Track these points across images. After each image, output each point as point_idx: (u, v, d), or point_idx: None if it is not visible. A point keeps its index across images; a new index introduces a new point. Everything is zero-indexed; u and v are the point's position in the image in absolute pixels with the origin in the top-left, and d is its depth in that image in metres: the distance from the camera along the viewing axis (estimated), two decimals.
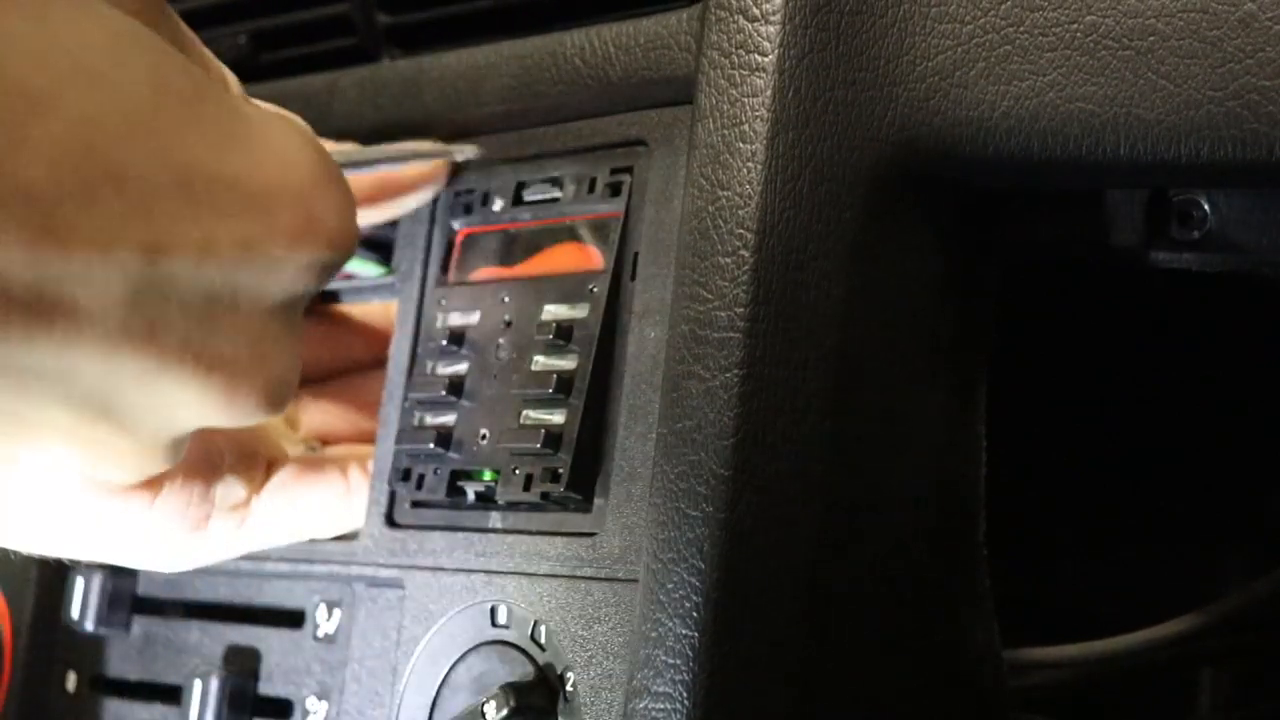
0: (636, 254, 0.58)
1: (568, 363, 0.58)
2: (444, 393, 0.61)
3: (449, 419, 0.61)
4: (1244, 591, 0.73)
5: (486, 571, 0.60)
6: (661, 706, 0.53)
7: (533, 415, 0.58)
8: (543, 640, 0.58)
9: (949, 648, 0.62)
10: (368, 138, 0.67)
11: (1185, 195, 0.58)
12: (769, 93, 0.55)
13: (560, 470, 0.57)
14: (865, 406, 0.57)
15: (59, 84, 0.38)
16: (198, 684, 0.67)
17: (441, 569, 0.61)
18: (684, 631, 0.53)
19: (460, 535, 0.61)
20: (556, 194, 0.61)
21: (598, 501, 0.57)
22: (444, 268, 0.64)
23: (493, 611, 0.59)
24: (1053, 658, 0.73)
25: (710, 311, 0.55)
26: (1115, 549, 0.89)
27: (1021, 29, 0.53)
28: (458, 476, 0.61)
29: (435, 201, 0.65)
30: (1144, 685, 0.83)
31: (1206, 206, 0.58)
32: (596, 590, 0.56)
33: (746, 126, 0.55)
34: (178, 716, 0.68)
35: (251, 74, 0.73)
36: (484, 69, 0.64)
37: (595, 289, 0.58)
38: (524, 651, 0.58)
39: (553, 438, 0.57)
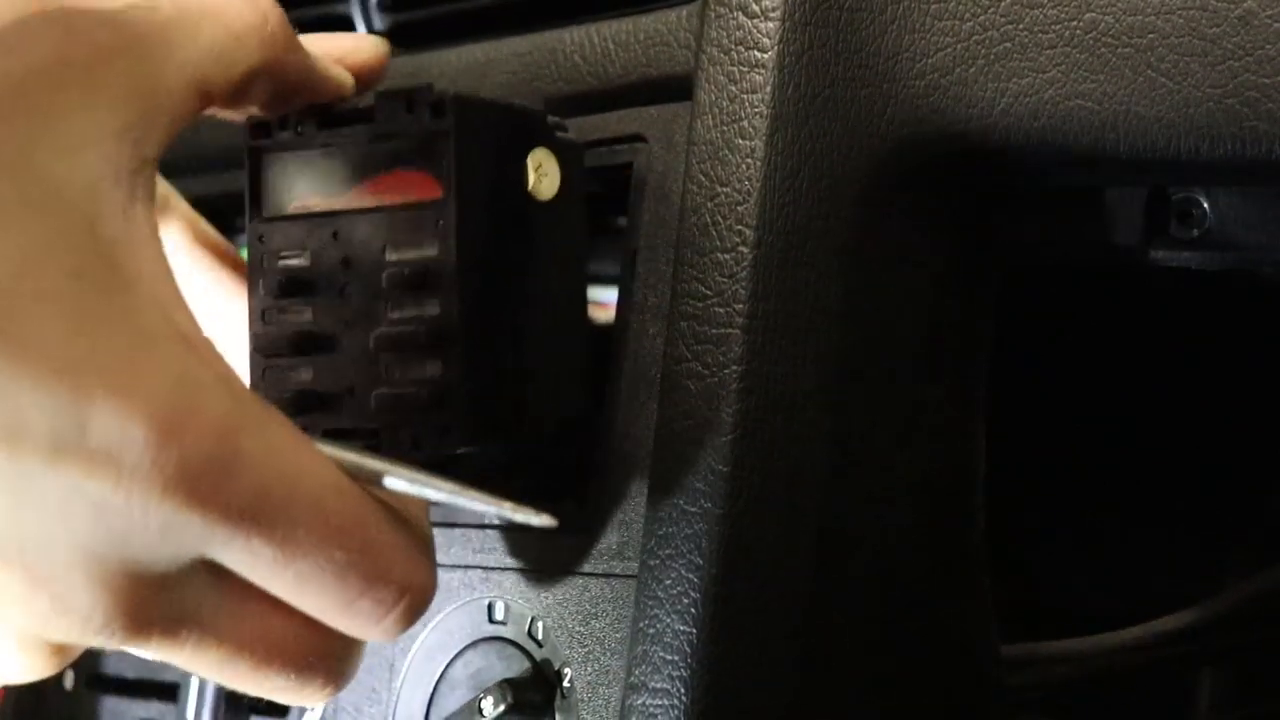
0: (636, 251, 0.58)
1: (430, 309, 0.50)
2: (292, 350, 0.53)
3: (306, 376, 0.53)
4: (1243, 587, 0.73)
5: (483, 568, 0.60)
6: (659, 703, 0.53)
7: (404, 370, 0.51)
8: (540, 636, 0.58)
9: (948, 645, 0.62)
10: None
11: (1185, 193, 0.58)
12: (768, 89, 0.55)
13: (451, 425, 0.50)
14: (864, 404, 0.57)
15: None
16: (195, 681, 0.67)
17: (438, 565, 0.61)
18: (681, 628, 0.53)
19: (457, 531, 0.61)
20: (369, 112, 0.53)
21: (596, 497, 0.57)
22: (255, 200, 0.54)
23: (490, 607, 0.59)
24: (1051, 652, 0.73)
25: (709, 308, 0.55)
26: (1115, 548, 0.89)
27: (1021, 26, 0.53)
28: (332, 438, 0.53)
29: None
30: (1143, 682, 0.83)
31: (1206, 205, 0.58)
32: (594, 586, 0.56)
33: (746, 123, 0.55)
34: (175, 714, 0.68)
35: None
36: (484, 66, 0.64)
37: (442, 222, 0.50)
38: (521, 647, 0.58)
39: (437, 392, 0.50)
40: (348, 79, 0.52)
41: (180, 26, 0.44)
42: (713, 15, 0.57)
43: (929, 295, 0.59)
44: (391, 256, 0.51)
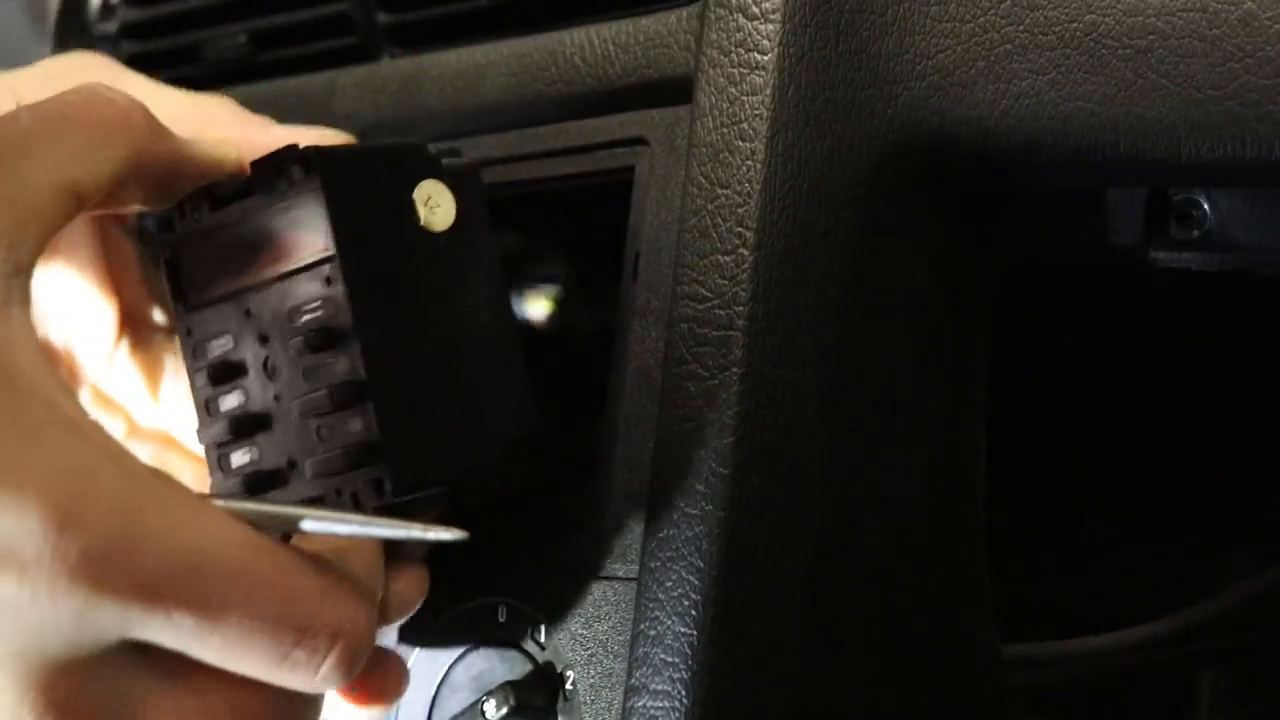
0: (638, 253, 0.58)
1: (340, 366, 0.50)
2: (235, 434, 0.53)
3: (252, 457, 0.54)
4: (1243, 587, 0.74)
5: (485, 569, 0.60)
6: (660, 705, 0.53)
7: (332, 432, 0.51)
8: (542, 639, 0.58)
9: (948, 646, 0.62)
10: (367, 136, 0.67)
11: (1185, 194, 0.58)
12: (768, 91, 0.55)
13: (383, 478, 0.50)
14: (864, 405, 0.57)
15: None
16: None
17: (441, 567, 0.61)
18: (682, 630, 0.53)
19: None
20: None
21: (597, 499, 0.57)
22: (177, 294, 0.55)
23: (492, 609, 0.59)
24: (1051, 652, 0.73)
25: (710, 310, 0.55)
26: (1115, 548, 0.89)
27: (1021, 28, 0.53)
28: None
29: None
30: (1143, 682, 0.83)
31: (1206, 206, 0.58)
32: (596, 589, 0.56)
33: (746, 125, 0.55)
34: None
35: (251, 74, 0.73)
36: (484, 68, 0.64)
37: (330, 274, 0.50)
38: (523, 650, 0.58)
39: (363, 448, 0.50)
40: (226, 152, 0.52)
41: (41, 134, 0.44)
42: (713, 17, 0.57)
43: (929, 296, 0.59)
44: (298, 322, 0.51)
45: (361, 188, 0.51)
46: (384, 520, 0.46)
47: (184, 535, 0.41)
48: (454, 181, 0.54)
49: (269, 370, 0.52)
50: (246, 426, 0.53)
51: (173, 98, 0.55)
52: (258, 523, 0.44)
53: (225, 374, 0.53)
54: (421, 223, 0.53)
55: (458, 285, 0.54)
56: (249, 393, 0.53)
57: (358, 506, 0.50)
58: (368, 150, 0.55)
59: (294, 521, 0.45)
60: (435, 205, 0.53)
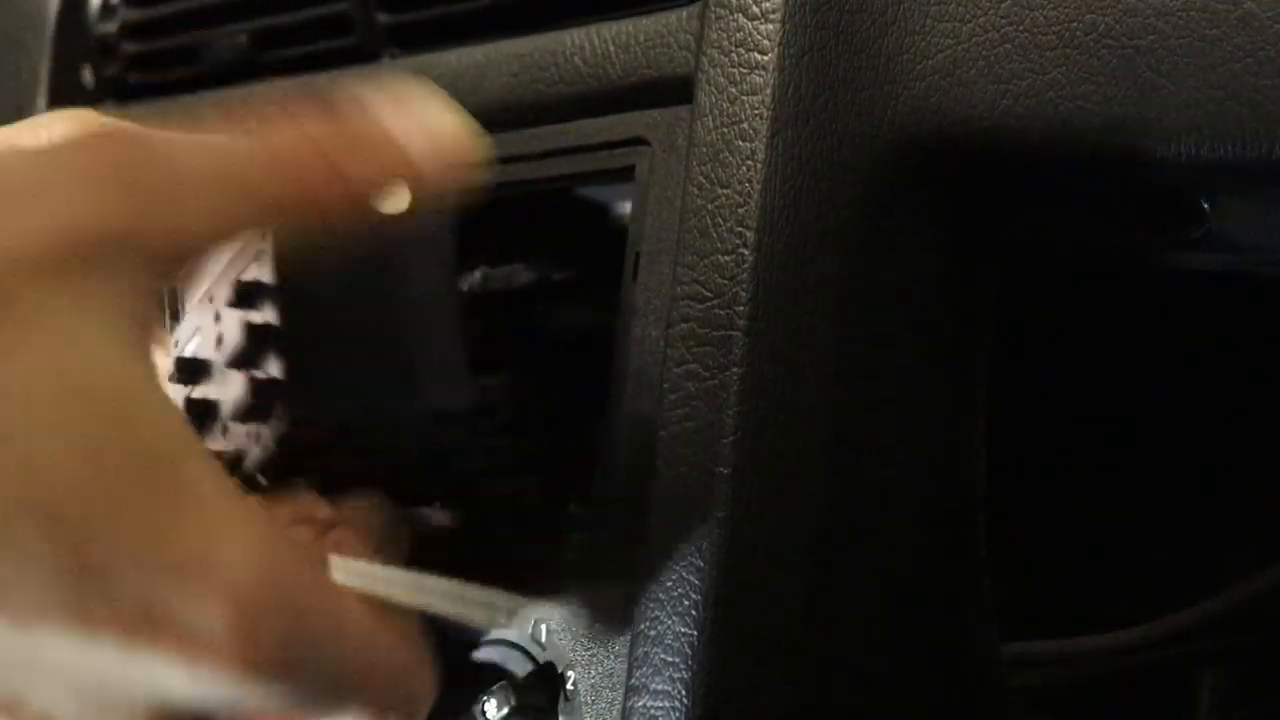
0: (639, 254, 0.58)
1: (265, 313, 0.51)
2: (199, 424, 0.54)
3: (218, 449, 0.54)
4: (1243, 587, 0.74)
5: (486, 570, 0.60)
6: (660, 705, 0.53)
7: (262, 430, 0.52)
8: (543, 638, 0.58)
9: (949, 646, 0.62)
10: None
11: (1185, 193, 0.58)
12: (769, 91, 0.55)
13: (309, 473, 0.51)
14: (864, 404, 0.57)
15: None
16: None
17: (441, 567, 0.61)
18: (683, 630, 0.53)
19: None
20: None
21: (597, 499, 0.57)
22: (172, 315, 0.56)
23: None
24: (1051, 652, 0.73)
25: (710, 310, 0.55)
26: (1115, 548, 0.89)
27: (1021, 28, 0.53)
28: None
29: None
30: (1143, 682, 0.83)
31: (1206, 206, 0.58)
32: (596, 589, 0.56)
33: (746, 125, 0.55)
34: None
35: (251, 74, 0.73)
36: (484, 68, 0.64)
37: (262, 245, 0.50)
38: (524, 650, 0.58)
39: (267, 387, 0.50)
40: None
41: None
42: (713, 17, 0.57)
43: (929, 296, 0.59)
44: (237, 287, 0.51)
45: None
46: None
47: (341, 636, 0.42)
48: None
49: (219, 344, 0.52)
50: (208, 415, 0.53)
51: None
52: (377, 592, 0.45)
53: (192, 370, 0.53)
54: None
55: (396, 256, 0.53)
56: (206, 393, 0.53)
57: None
58: None
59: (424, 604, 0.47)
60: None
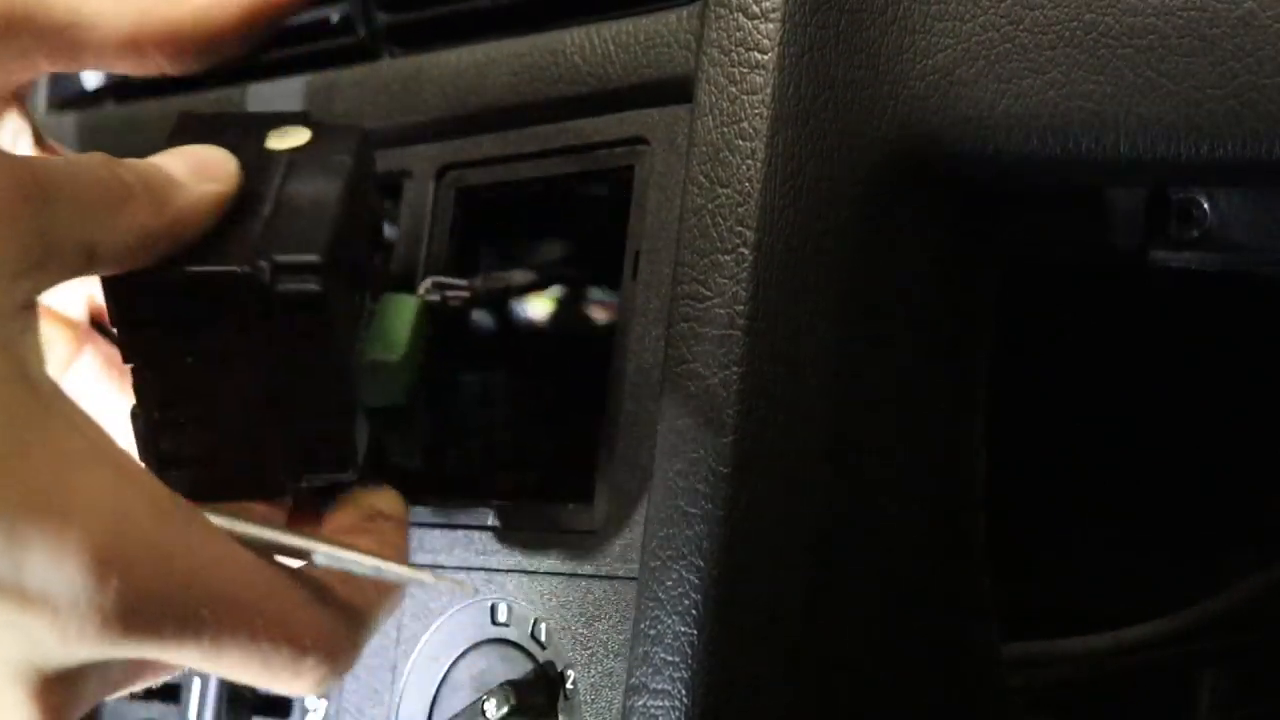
0: (639, 253, 0.58)
1: None
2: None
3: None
4: (1243, 587, 0.73)
5: (486, 569, 0.60)
6: (660, 704, 0.53)
7: None
8: (543, 638, 0.58)
9: (948, 646, 0.62)
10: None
11: (1185, 194, 0.58)
12: (769, 90, 0.55)
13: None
14: (864, 404, 0.57)
15: None
16: (197, 682, 0.67)
17: (441, 566, 0.61)
18: (683, 629, 0.53)
19: (460, 533, 0.61)
20: None
21: (598, 499, 0.57)
22: None
23: (493, 609, 0.59)
24: (1051, 652, 0.73)
25: (710, 309, 0.55)
26: (1115, 548, 0.89)
27: (1021, 27, 0.53)
28: None
29: (435, 199, 0.65)
30: (1143, 682, 0.83)
31: (1206, 205, 0.58)
32: (596, 588, 0.56)
33: (746, 124, 0.55)
34: (177, 715, 0.68)
35: (251, 74, 0.73)
36: (484, 67, 0.64)
37: None
38: (524, 649, 0.58)
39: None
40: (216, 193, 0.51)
41: (77, 191, 0.44)
42: (713, 16, 0.57)
43: (929, 295, 0.59)
44: None
45: (216, 131, 0.52)
46: (394, 565, 0.48)
47: (210, 578, 0.42)
48: (316, 127, 0.54)
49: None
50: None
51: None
52: (273, 550, 0.45)
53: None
54: (266, 144, 0.53)
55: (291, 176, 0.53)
56: None
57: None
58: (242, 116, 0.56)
59: (308, 554, 0.46)
60: (285, 134, 0.54)
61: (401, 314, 0.58)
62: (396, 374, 0.56)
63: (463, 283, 0.63)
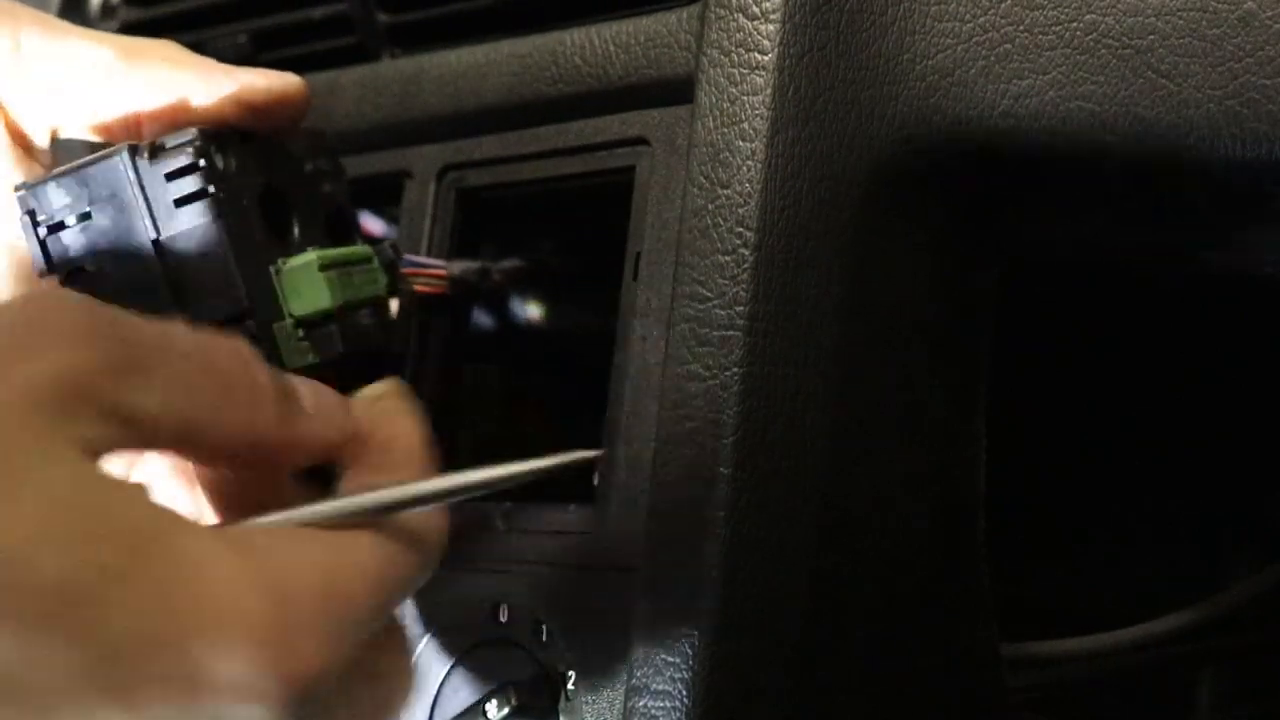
0: (639, 253, 0.58)
1: None
2: None
3: None
4: (1243, 587, 0.74)
5: (487, 570, 0.60)
6: (661, 704, 0.53)
7: None
8: (544, 638, 0.58)
9: (948, 645, 0.62)
10: (368, 136, 0.67)
11: (1186, 193, 0.58)
12: (769, 91, 0.55)
13: None
14: (864, 405, 0.57)
15: None
16: None
17: (442, 567, 0.61)
18: (684, 629, 0.53)
19: (461, 533, 0.61)
20: None
21: (598, 499, 0.57)
22: None
23: (494, 609, 0.59)
24: (1051, 652, 0.73)
25: (710, 310, 0.55)
26: (1115, 548, 0.89)
27: (1021, 28, 0.53)
28: None
29: (436, 199, 0.65)
30: (1143, 682, 0.83)
31: (1206, 205, 0.58)
32: (597, 588, 0.56)
33: (746, 125, 0.55)
34: None
35: None
36: (484, 68, 0.64)
37: None
38: (525, 650, 0.58)
39: None
40: None
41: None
42: (713, 17, 0.57)
43: (929, 295, 0.59)
44: None
45: None
46: (507, 468, 0.49)
47: (343, 592, 0.44)
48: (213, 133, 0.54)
49: None
50: None
51: (108, 55, 0.55)
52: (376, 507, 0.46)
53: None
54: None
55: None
56: None
57: None
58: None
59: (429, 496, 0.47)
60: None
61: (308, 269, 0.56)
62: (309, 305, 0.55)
63: (439, 263, 0.63)
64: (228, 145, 0.51)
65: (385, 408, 0.51)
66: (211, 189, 0.50)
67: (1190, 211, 0.58)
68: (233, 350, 0.45)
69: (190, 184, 0.50)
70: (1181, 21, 0.50)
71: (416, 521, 0.47)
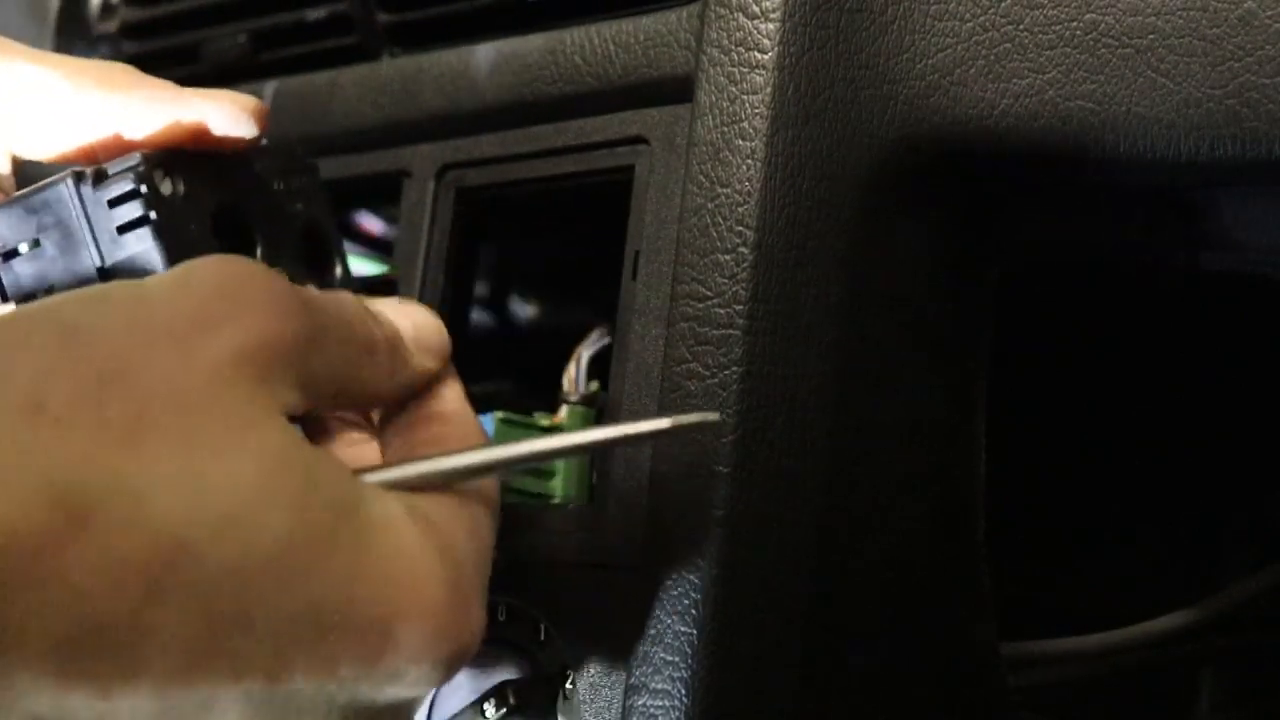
0: (638, 253, 0.58)
1: None
2: None
3: None
4: (1243, 587, 0.74)
5: None
6: (660, 704, 0.53)
7: None
8: (542, 638, 0.57)
9: (948, 645, 0.62)
10: (368, 135, 0.67)
11: (1186, 193, 0.58)
12: (769, 90, 0.55)
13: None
14: (864, 404, 0.57)
15: (203, 534, 0.38)
16: None
17: None
18: (682, 629, 0.53)
19: None
20: None
21: (598, 499, 0.57)
22: None
23: (492, 609, 0.59)
24: (1051, 652, 0.73)
25: (710, 309, 0.55)
26: (1115, 548, 0.89)
27: (1021, 27, 0.53)
28: None
29: (435, 198, 0.65)
30: (1143, 682, 0.83)
31: (1207, 205, 0.58)
32: (596, 588, 0.56)
33: (746, 124, 0.55)
34: None
35: (251, 73, 0.73)
36: (484, 68, 0.64)
37: None
38: (523, 649, 0.58)
39: None
40: None
41: None
42: (713, 16, 0.57)
43: (929, 295, 0.59)
44: None
45: None
46: (609, 429, 0.49)
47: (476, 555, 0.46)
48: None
49: None
50: None
51: (55, 78, 0.54)
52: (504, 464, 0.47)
53: None
54: None
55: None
56: None
57: None
58: None
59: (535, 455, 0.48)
60: None
61: None
62: None
63: None
64: (176, 167, 0.51)
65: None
66: (153, 215, 0.49)
67: (1190, 211, 0.58)
68: (361, 311, 0.48)
69: (132, 210, 0.49)
70: (1181, 21, 0.50)
71: (490, 489, 0.49)
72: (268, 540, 0.39)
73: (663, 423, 0.47)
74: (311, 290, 0.46)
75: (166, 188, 0.50)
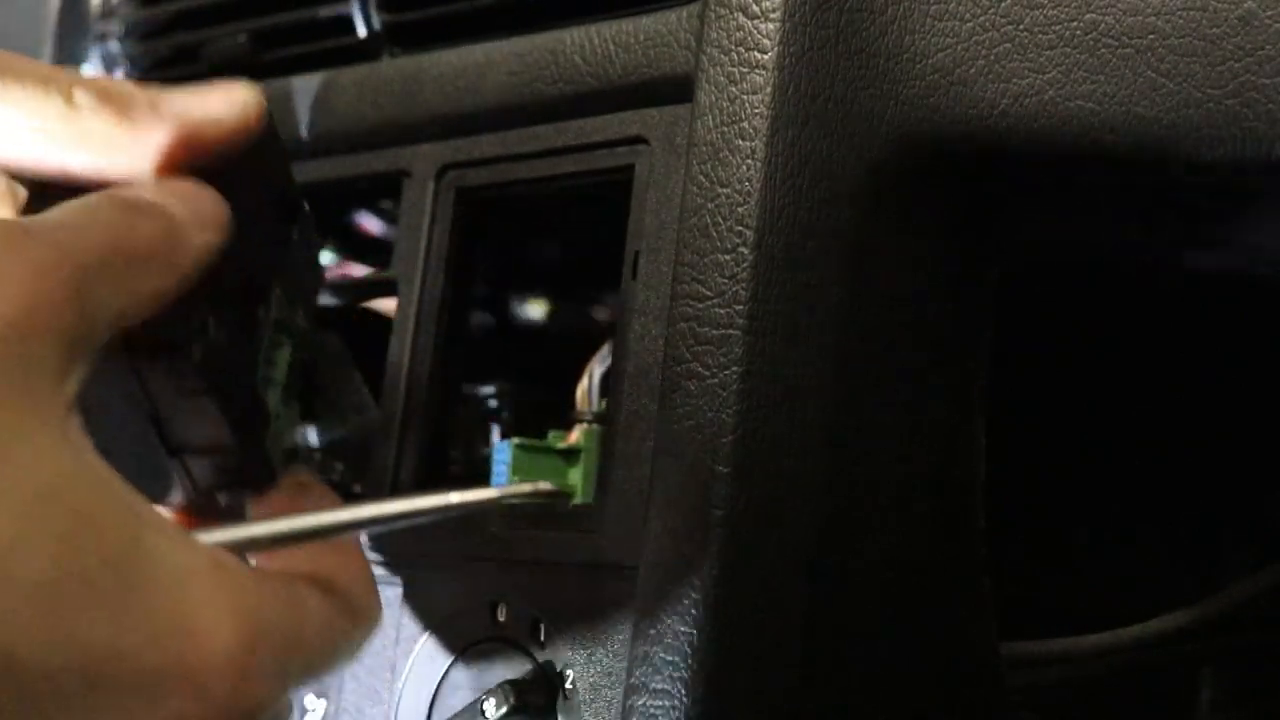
0: (638, 253, 0.58)
1: None
2: None
3: None
4: (1243, 587, 0.74)
5: (486, 568, 0.60)
6: (660, 703, 0.53)
7: None
8: (542, 637, 0.58)
9: (948, 645, 0.62)
10: (368, 135, 0.67)
11: (1186, 194, 0.58)
12: (769, 90, 0.55)
13: None
14: (864, 404, 0.57)
15: None
16: None
17: (440, 566, 0.61)
18: (682, 628, 0.53)
19: (459, 531, 0.61)
20: None
21: (597, 499, 0.57)
22: None
23: (492, 608, 0.59)
24: (1052, 652, 0.73)
25: (710, 309, 0.55)
26: (1115, 548, 0.89)
27: (1021, 27, 0.53)
28: None
29: (435, 198, 0.65)
30: (1143, 682, 0.83)
31: (1207, 205, 0.58)
32: (596, 587, 0.56)
33: (746, 124, 0.55)
34: None
35: (251, 73, 0.73)
36: (484, 68, 0.64)
37: None
38: (523, 649, 0.58)
39: None
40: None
41: (106, 262, 0.41)
42: (713, 16, 0.57)
43: (929, 295, 0.59)
44: None
45: None
46: (477, 492, 0.49)
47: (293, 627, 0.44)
48: None
49: None
50: None
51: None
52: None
53: None
54: None
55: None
56: None
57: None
58: None
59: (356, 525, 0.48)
60: None
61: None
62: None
63: None
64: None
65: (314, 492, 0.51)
66: None
67: (1190, 211, 0.58)
68: (120, 214, 0.42)
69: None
70: (1181, 21, 0.50)
71: (359, 589, 0.47)
72: (26, 583, 0.35)
73: (490, 493, 0.48)
74: (49, 217, 0.40)
75: None
